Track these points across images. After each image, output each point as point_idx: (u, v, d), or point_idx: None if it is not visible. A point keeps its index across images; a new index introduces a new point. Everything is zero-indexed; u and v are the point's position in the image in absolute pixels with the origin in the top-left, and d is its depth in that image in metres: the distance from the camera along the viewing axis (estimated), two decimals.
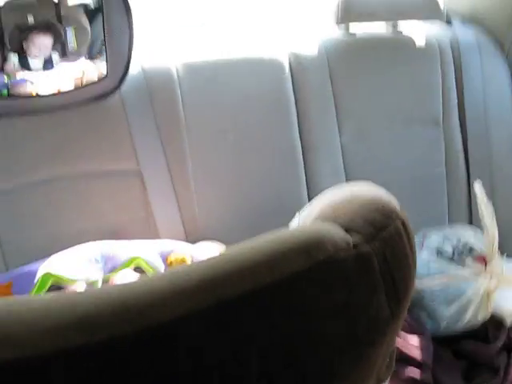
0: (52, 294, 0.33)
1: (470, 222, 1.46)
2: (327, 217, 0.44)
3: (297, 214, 0.85)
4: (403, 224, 0.43)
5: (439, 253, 1.28)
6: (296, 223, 0.84)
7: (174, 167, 1.27)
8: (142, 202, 1.26)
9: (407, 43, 1.46)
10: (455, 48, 1.49)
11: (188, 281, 0.33)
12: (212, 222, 1.30)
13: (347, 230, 0.40)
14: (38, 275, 1.07)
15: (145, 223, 1.26)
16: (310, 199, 1.35)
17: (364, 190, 0.62)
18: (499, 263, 1.15)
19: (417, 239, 1.34)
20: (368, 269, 0.38)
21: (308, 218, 0.69)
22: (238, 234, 1.23)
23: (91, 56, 1.20)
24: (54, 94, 1.17)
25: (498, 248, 1.14)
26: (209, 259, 0.36)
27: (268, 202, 1.33)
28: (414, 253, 0.43)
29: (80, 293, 0.33)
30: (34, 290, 1.06)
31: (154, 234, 1.24)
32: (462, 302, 1.13)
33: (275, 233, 0.39)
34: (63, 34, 1.16)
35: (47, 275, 1.07)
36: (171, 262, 1.15)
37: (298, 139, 1.37)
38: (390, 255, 0.40)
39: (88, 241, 1.16)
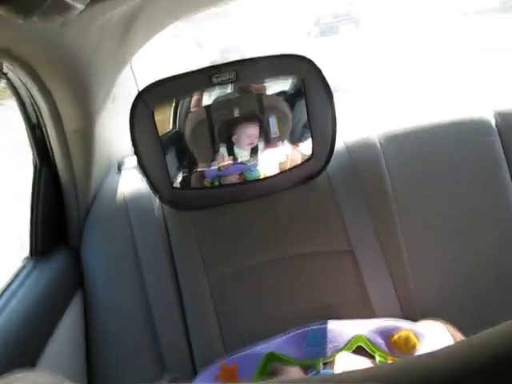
0: None
1: None
2: None
3: None
4: None
5: None
6: None
7: (385, 243, 1.23)
8: (356, 282, 1.22)
9: None
10: None
11: None
12: (429, 298, 1.23)
13: None
14: (262, 356, 1.08)
15: (359, 303, 1.22)
16: None
17: None
18: None
19: None
20: None
21: None
22: (457, 311, 1.15)
23: (293, 141, 1.24)
24: (260, 180, 1.22)
25: None
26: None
27: (488, 277, 1.23)
28: None
29: None
30: (258, 371, 1.07)
31: (369, 314, 1.20)
32: None
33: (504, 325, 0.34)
34: (266, 123, 1.22)
35: (271, 355, 1.08)
36: (395, 341, 1.09)
37: None
38: None
39: (303, 322, 1.14)
